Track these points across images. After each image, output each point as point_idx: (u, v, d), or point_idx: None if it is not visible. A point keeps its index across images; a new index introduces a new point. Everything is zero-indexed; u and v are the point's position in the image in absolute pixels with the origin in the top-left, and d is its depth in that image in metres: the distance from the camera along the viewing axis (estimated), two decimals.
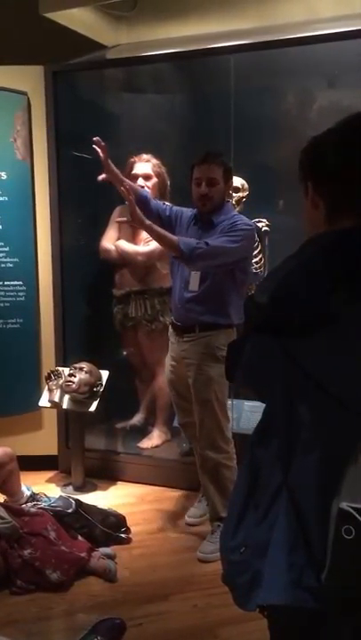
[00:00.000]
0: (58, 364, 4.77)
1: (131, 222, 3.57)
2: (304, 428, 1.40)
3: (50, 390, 4.54)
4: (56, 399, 4.49)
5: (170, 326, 3.94)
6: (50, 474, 4.86)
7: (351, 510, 1.32)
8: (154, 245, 4.53)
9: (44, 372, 4.69)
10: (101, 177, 3.61)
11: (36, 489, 4.24)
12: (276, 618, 1.57)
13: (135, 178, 4.68)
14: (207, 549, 3.69)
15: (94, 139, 3.48)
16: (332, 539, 1.34)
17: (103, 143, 3.49)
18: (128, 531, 3.92)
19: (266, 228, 4.71)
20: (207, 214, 3.68)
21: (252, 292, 3.37)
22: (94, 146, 3.49)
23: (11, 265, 4.65)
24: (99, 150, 3.50)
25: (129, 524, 3.95)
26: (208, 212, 3.67)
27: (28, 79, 4.55)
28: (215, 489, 3.76)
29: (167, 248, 3.60)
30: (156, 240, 3.64)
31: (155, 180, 4.70)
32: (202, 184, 3.62)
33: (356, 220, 1.47)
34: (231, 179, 3.78)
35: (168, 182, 4.76)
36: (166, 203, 3.99)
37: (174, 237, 3.52)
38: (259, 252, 4.56)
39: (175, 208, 3.88)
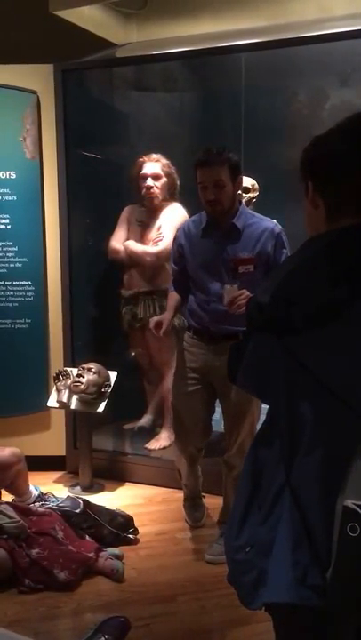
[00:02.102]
0: (66, 365, 4.76)
1: None
2: (307, 426, 1.41)
3: (58, 391, 4.53)
4: (64, 399, 4.48)
5: (190, 335, 3.71)
6: (57, 474, 4.85)
7: (356, 508, 1.33)
8: (163, 246, 4.53)
9: (53, 373, 4.68)
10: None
11: (43, 489, 4.23)
12: (281, 616, 1.59)
13: (144, 178, 4.69)
14: (216, 551, 3.66)
15: None
16: (337, 537, 1.35)
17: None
18: (136, 531, 3.90)
19: None
20: (224, 218, 3.48)
21: None
22: None
23: (19, 265, 4.64)
24: None
25: (136, 524, 3.93)
26: (220, 215, 3.47)
27: (37, 78, 4.55)
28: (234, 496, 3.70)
29: None
30: None
31: (164, 179, 4.70)
32: (208, 188, 3.41)
33: (356, 219, 1.47)
34: (240, 174, 3.50)
35: (178, 182, 4.75)
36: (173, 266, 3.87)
37: None
38: None
39: (177, 253, 3.75)
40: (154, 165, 4.69)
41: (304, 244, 1.51)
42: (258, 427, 4.29)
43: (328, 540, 1.37)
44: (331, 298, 1.35)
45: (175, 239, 3.78)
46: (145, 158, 4.71)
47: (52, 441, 4.87)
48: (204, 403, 3.73)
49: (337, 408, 1.37)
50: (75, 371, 4.55)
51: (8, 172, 4.55)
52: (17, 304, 4.67)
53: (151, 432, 5.17)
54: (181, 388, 3.75)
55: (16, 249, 4.62)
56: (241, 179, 3.60)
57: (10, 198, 4.58)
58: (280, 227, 3.52)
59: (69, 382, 4.49)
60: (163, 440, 4.98)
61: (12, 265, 4.63)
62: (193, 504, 4.13)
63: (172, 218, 4.62)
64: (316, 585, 1.38)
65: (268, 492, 1.51)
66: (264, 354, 1.49)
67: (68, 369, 4.64)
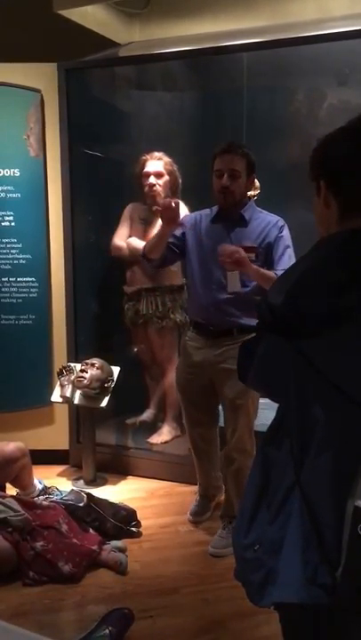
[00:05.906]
0: (69, 360, 4.79)
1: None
2: (318, 427, 1.40)
3: (61, 386, 4.57)
4: (68, 394, 4.52)
5: (192, 330, 3.78)
6: (61, 468, 4.89)
7: None
8: None
9: (56, 368, 4.71)
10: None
11: (47, 483, 4.28)
12: (290, 614, 1.59)
13: (147, 176, 4.71)
14: (220, 544, 3.70)
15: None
16: (348, 537, 1.35)
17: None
18: (138, 524, 3.94)
19: None
20: (234, 209, 3.54)
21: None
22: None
23: (23, 261, 4.68)
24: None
25: (139, 517, 3.97)
26: (230, 205, 3.52)
27: (41, 76, 4.57)
28: (235, 490, 3.70)
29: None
30: (263, 282, 3.39)
31: (166, 177, 4.72)
32: (223, 176, 3.45)
33: None
34: (254, 172, 3.56)
35: (180, 180, 4.78)
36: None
37: (272, 274, 3.37)
38: None
39: (178, 231, 3.74)
40: (156, 163, 4.72)
41: (316, 246, 1.49)
42: (255, 420, 4.38)
43: (338, 540, 1.36)
44: (343, 302, 1.34)
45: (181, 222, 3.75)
46: (148, 156, 4.74)
47: (56, 435, 4.91)
48: (204, 392, 3.78)
49: (349, 409, 1.36)
50: (78, 366, 4.59)
51: (12, 170, 4.58)
52: (21, 300, 4.72)
53: (153, 426, 5.21)
54: (181, 377, 3.87)
55: (20, 246, 4.66)
56: (254, 178, 3.65)
57: (14, 196, 4.61)
58: (284, 222, 3.58)
59: (73, 377, 4.53)
60: (164, 434, 5.04)
61: (16, 261, 4.67)
62: (200, 502, 4.17)
63: None
64: (327, 584, 1.38)
65: (278, 491, 1.51)
66: (275, 354, 1.48)
67: (72, 364, 4.68)
